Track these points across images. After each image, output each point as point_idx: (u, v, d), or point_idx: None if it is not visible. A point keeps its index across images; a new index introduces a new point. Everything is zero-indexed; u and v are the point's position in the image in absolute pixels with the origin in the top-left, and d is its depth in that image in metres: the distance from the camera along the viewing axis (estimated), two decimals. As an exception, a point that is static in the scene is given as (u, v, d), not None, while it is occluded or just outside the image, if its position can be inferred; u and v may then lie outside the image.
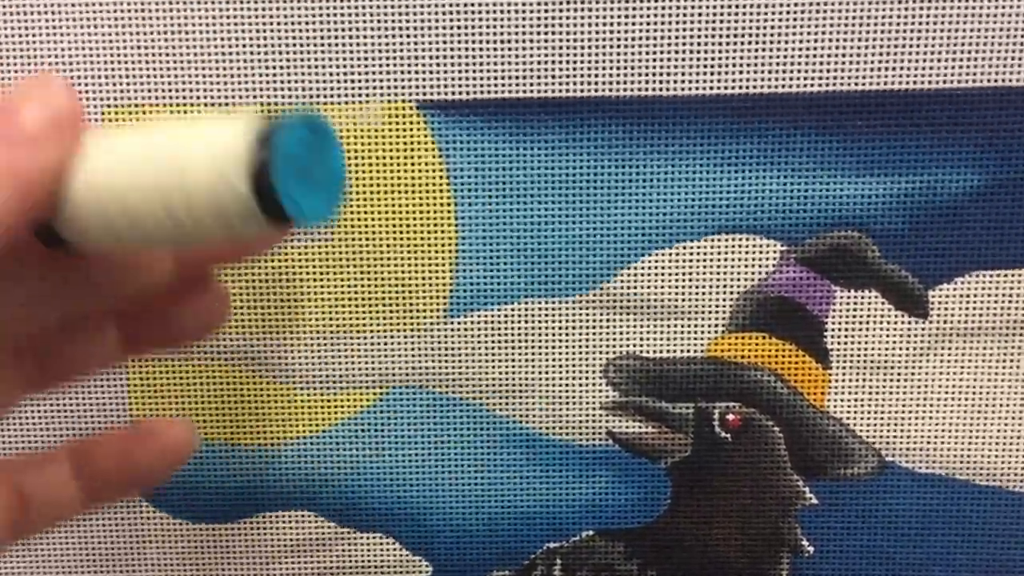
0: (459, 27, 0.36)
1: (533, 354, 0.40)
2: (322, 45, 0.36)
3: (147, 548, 0.42)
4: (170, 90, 0.37)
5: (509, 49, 0.36)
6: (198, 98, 0.37)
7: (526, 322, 0.39)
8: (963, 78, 0.36)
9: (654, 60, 0.36)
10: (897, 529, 0.41)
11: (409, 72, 0.37)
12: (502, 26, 0.36)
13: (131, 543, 0.42)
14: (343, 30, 0.36)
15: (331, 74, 0.37)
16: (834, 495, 0.41)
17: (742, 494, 0.41)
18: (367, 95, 0.37)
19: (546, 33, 0.36)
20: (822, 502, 0.41)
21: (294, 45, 0.36)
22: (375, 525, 0.41)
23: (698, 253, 0.38)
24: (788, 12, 0.36)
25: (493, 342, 0.39)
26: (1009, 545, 0.41)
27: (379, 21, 0.36)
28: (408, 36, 0.36)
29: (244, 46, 0.36)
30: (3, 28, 0.36)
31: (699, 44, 0.36)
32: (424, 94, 0.37)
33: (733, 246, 0.38)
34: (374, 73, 0.37)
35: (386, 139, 0.37)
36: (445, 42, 0.36)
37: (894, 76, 0.36)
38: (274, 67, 0.37)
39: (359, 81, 0.37)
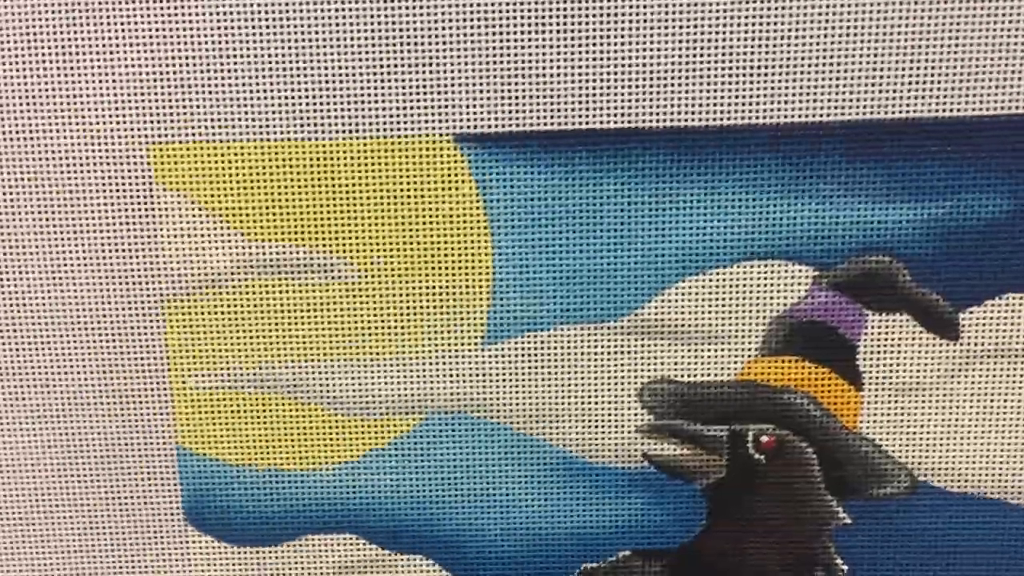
0: (494, 61, 0.37)
1: (569, 379, 0.40)
2: (362, 80, 0.37)
3: (191, 572, 0.43)
4: (213, 127, 0.38)
5: (544, 82, 0.37)
6: (241, 134, 0.38)
7: (562, 348, 0.40)
8: (992, 105, 0.37)
9: (686, 91, 0.37)
10: (930, 548, 0.41)
11: (447, 106, 0.38)
12: (536, 60, 0.37)
13: (175, 567, 0.43)
14: (382, 65, 0.37)
15: (370, 108, 0.38)
16: (868, 515, 0.41)
17: (776, 514, 0.41)
18: (405, 129, 0.38)
19: (580, 65, 0.37)
20: (856, 521, 0.41)
21: (334, 80, 0.37)
22: (416, 548, 0.42)
23: (731, 279, 0.39)
24: (818, 41, 0.37)
25: (529, 368, 0.40)
26: (1042, 563, 0.41)
27: (417, 56, 0.37)
28: (446, 70, 0.37)
29: (285, 82, 0.37)
30: (50, 67, 0.37)
31: (730, 74, 0.37)
32: (461, 127, 0.38)
33: (765, 272, 0.39)
34: (412, 107, 0.38)
35: (424, 171, 0.38)
36: (481, 76, 0.37)
37: (923, 104, 0.37)
38: (314, 102, 0.38)
39: (397, 115, 0.38)
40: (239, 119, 0.38)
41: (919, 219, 0.38)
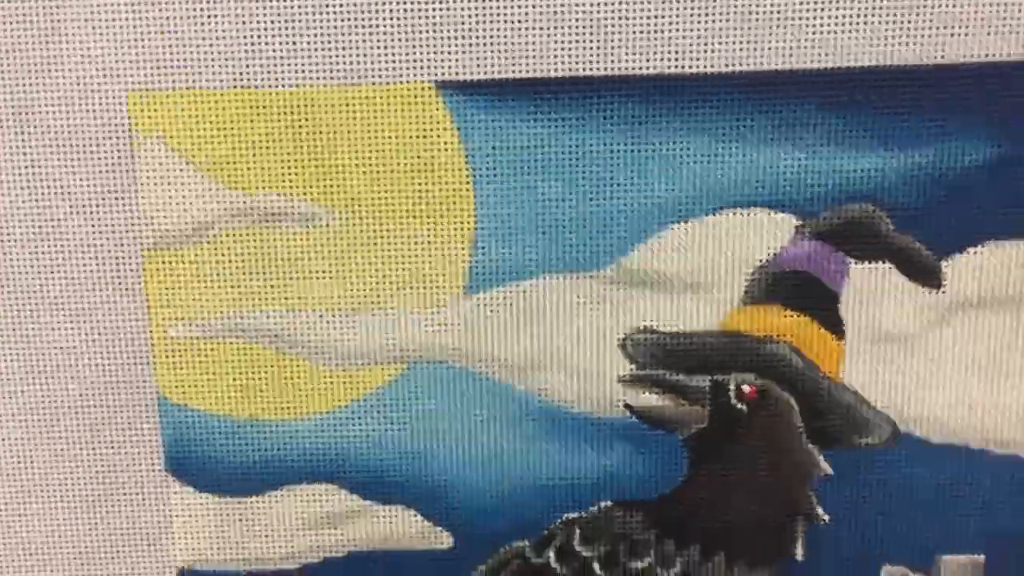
0: (477, 7, 0.37)
1: (551, 329, 0.40)
2: (343, 26, 0.37)
3: (172, 522, 0.43)
4: (192, 74, 0.38)
5: (526, 28, 0.37)
6: (220, 82, 0.38)
7: (544, 298, 0.40)
8: (973, 53, 0.37)
9: (669, 38, 0.37)
10: (912, 498, 0.41)
11: (428, 52, 0.37)
12: (519, 6, 0.37)
13: (156, 517, 0.43)
14: (363, 11, 0.37)
15: (352, 55, 0.37)
16: (849, 465, 0.41)
17: (758, 464, 0.41)
18: (386, 76, 0.37)
19: (562, 13, 0.37)
20: (838, 472, 0.41)
21: (314, 26, 0.37)
22: (397, 498, 0.42)
23: (713, 228, 0.39)
24: (801, -13, 0.36)
25: (511, 318, 0.40)
26: (1022, 511, 0.41)
27: (398, 2, 0.37)
28: (427, 16, 0.37)
29: (266, 29, 0.37)
30: (24, 16, 0.37)
31: (713, 22, 0.37)
32: (443, 74, 0.37)
33: (747, 221, 0.39)
34: (394, 53, 0.37)
35: (405, 119, 0.38)
36: (463, 22, 0.37)
37: (905, 51, 0.37)
38: (294, 49, 0.37)
39: (378, 61, 0.37)
40: (218, 67, 0.38)
41: (902, 167, 0.38)
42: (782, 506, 0.42)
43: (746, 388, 0.41)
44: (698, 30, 0.37)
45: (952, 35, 0.37)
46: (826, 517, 0.42)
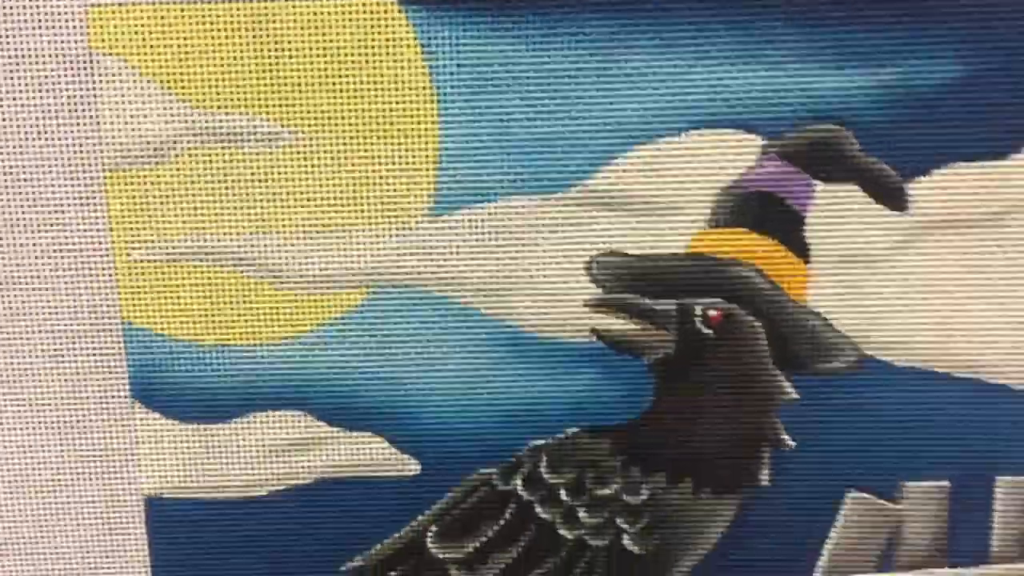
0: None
1: (516, 252, 0.40)
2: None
3: (139, 448, 0.43)
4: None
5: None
6: (180, -4, 0.37)
7: (509, 220, 0.40)
8: (942, -33, 0.37)
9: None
10: (877, 423, 0.42)
11: (390, -33, 0.37)
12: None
13: (123, 444, 0.43)
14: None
15: (312, -32, 0.37)
16: (814, 390, 0.41)
17: (724, 390, 0.42)
18: (348, -9, 0.37)
19: (525, -74, 0.36)
20: (803, 397, 0.41)
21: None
22: (364, 424, 0.42)
23: (679, 148, 0.39)
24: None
25: (477, 240, 0.40)
26: (987, 436, 0.42)
27: (359, -85, 0.36)
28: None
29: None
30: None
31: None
32: (405, -10, 0.37)
33: (713, 141, 0.39)
34: (354, -32, 0.37)
35: (368, 35, 0.38)
36: (425, -64, 0.37)
37: (873, -33, 0.37)
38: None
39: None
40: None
41: (868, 86, 0.38)
42: (748, 432, 0.42)
43: (712, 313, 0.41)
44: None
45: (919, -49, 0.36)
46: (792, 443, 0.42)
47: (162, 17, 0.38)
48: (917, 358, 0.41)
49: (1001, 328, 0.40)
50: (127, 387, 0.42)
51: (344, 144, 0.39)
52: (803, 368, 0.41)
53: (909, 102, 0.38)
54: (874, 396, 0.41)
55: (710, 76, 0.38)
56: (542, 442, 0.43)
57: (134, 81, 0.38)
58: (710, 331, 0.41)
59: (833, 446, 0.42)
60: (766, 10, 0.37)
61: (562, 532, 0.43)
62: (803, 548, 0.43)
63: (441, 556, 0.44)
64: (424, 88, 0.38)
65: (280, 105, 0.38)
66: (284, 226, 0.40)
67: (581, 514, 0.43)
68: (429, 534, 0.43)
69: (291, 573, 0.44)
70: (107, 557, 0.44)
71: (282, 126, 0.39)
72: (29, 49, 0.38)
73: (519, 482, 0.43)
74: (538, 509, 0.43)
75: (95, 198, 0.40)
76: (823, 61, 0.38)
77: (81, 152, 0.39)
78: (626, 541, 0.43)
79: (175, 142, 0.39)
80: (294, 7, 0.37)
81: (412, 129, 0.39)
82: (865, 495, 0.43)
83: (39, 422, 0.43)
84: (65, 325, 0.41)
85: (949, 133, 0.38)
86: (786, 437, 0.42)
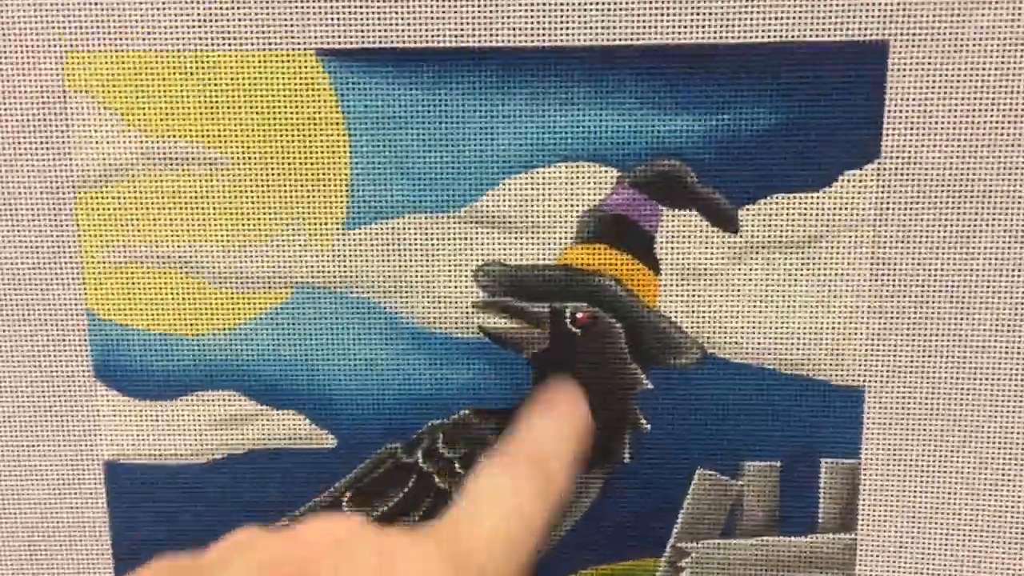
0: (348, -12, 0.44)
1: (416, 261, 0.48)
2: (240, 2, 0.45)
3: (99, 421, 0.50)
4: (117, 37, 0.45)
5: (396, 4, 0.45)
6: (142, 44, 0.45)
7: (410, 234, 0.48)
8: (759, 34, 0.44)
9: (510, 15, 0.45)
10: (719, 410, 0.49)
11: (311, 23, 0.45)
12: (383, -13, 0.44)
13: (86, 416, 0.50)
14: (254, -10, 0.44)
15: (246, 23, 0.45)
16: (666, 381, 0.49)
17: (591, 380, 0.49)
18: (275, 44, 0.45)
19: (419, -7, 0.44)
20: (657, 387, 0.49)
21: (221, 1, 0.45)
22: (288, 404, 0.50)
23: (549, 177, 0.47)
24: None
25: (383, 251, 0.48)
26: (812, 424, 0.49)
27: (283, -17, 0.44)
28: (307, -5, 0.44)
29: (175, 2, 0.45)
30: (-21, -14, 0.45)
31: (546, 4, 0.44)
32: (322, 42, 0.45)
33: (577, 171, 0.46)
34: (279, 23, 0.45)
35: (291, 80, 0.46)
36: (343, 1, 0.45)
37: (705, 31, 0.44)
38: (202, 17, 0.45)
39: (268, 30, 0.45)
40: (141, 31, 0.45)
41: (703, 129, 0.46)
42: (611, 416, 0.49)
43: (580, 315, 0.48)
44: (539, 8, 0.44)
45: (742, 19, 0.44)
46: (648, 426, 0.50)
47: (124, 62, 0.46)
48: (751, 356, 0.48)
49: (819, 332, 0.48)
50: (90, 368, 0.50)
51: (272, 169, 0.47)
52: (656, 362, 0.49)
53: (737, 142, 0.46)
54: (716, 388, 0.49)
55: (574, 118, 0.46)
56: (439, 422, 0.50)
57: (100, 114, 0.46)
58: (578, 330, 0.48)
59: (683, 430, 0.49)
60: (620, 65, 0.45)
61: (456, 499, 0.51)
62: (660, 517, 0.50)
63: (355, 518, 0.51)
64: (337, 124, 0.46)
65: (219, 136, 0.46)
66: (222, 235, 0.48)
67: (472, 484, 0.50)
68: (344, 499, 0.51)
69: (224, 529, 0.51)
70: (71, 512, 0.52)
71: (221, 153, 0.47)
72: (11, 87, 0.46)
73: (420, 456, 0.50)
74: (436, 479, 0.50)
75: (67, 211, 0.48)
76: (667, 108, 0.45)
77: (56, 173, 0.47)
78: (510, 508, 0.50)
79: (133, 165, 0.47)
80: (232, 56, 0.45)
81: (328, 157, 0.47)
82: (710, 472, 0.50)
83: (13, 397, 0.51)
84: (38, 315, 0.49)
85: (770, 169, 0.46)
86: (643, 421, 0.49)
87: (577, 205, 0.47)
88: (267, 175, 0.47)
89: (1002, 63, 0.44)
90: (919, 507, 0.49)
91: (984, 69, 0.44)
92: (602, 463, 0.50)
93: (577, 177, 0.47)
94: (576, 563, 0.51)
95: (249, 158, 0.47)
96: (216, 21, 0.45)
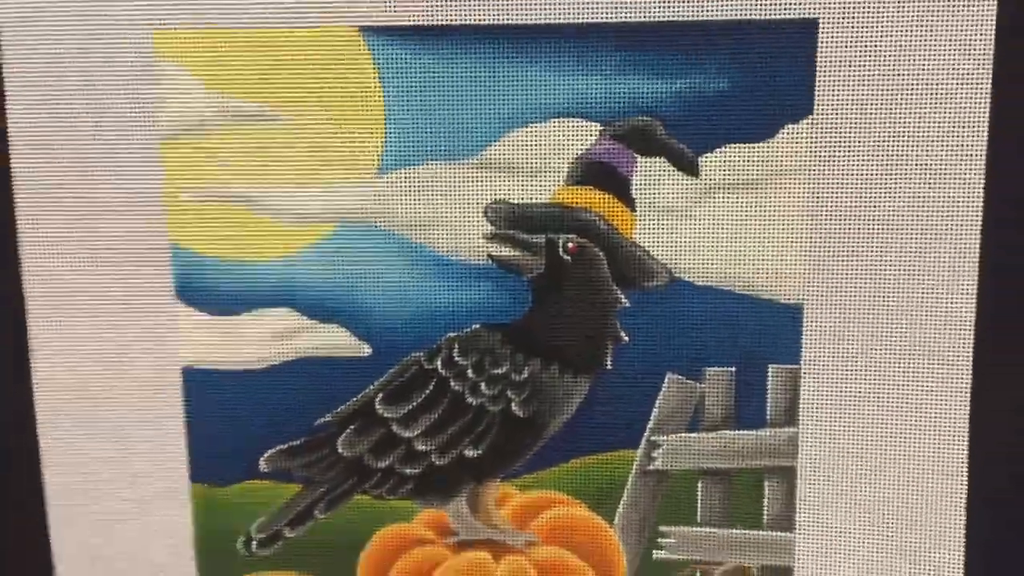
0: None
1: (439, 199, 0.58)
2: (294, -12, 0.55)
3: (179, 333, 0.61)
4: (198, 15, 0.56)
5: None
6: (221, 22, 0.56)
7: (432, 177, 0.58)
8: (717, 12, 0.54)
9: None
10: (684, 325, 0.59)
11: (354, 4, 0.56)
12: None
13: (169, 329, 0.61)
14: (308, -21, 0.55)
15: (296, 3, 0.56)
16: (641, 300, 0.59)
17: (580, 299, 0.59)
18: (321, 21, 0.56)
19: (440, -19, 0.55)
20: (634, 305, 0.59)
21: (276, -12, 0.56)
22: (332, 319, 0.60)
23: (544, 131, 0.57)
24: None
25: (413, 191, 0.58)
26: (762, 336, 0.58)
27: (331, -27, 0.55)
28: (350, -17, 0.55)
29: (244, -11, 0.56)
30: (90, -24, 0.56)
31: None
32: (364, 20, 0.56)
33: (568, 126, 0.57)
34: (328, 4, 0.56)
35: (335, 53, 0.56)
36: (374, -13, 0.55)
37: (676, 9, 0.55)
38: (268, 2, 0.56)
39: (315, 10, 0.56)
40: (212, 11, 0.56)
41: (670, 91, 0.56)
42: (596, 329, 0.59)
43: (570, 245, 0.58)
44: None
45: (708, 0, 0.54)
46: (626, 337, 0.59)
47: (203, 38, 0.57)
48: (711, 279, 0.58)
49: (767, 259, 0.58)
50: (172, 289, 0.61)
51: (319, 124, 0.57)
52: (633, 285, 0.58)
53: (698, 101, 0.56)
54: (682, 306, 0.58)
55: (565, 83, 0.56)
56: (455, 334, 0.60)
57: (183, 78, 0.57)
58: (569, 258, 0.59)
59: (655, 341, 0.59)
60: (603, 39, 0.55)
61: (468, 400, 0.59)
62: (636, 415, 0.58)
63: (385, 416, 0.59)
64: (374, 87, 0.57)
65: (279, 97, 0.57)
66: (279, 179, 0.59)
67: (482, 387, 0.58)
68: (377, 399, 0.60)
69: (280, 422, 0.62)
70: (155, 409, 0.62)
71: (280, 112, 0.58)
72: (108, 58, 0.57)
73: (439, 363, 0.59)
74: (452, 383, 0.59)
75: (154, 159, 0.59)
76: (640, 73, 0.56)
77: (145, 127, 0.58)
78: (514, 408, 0.58)
79: (208, 121, 0.58)
80: (288, 32, 0.56)
81: (366, 115, 0.57)
82: (678, 376, 0.58)
83: (110, 314, 0.61)
84: (130, 245, 0.60)
85: (725, 123, 0.56)
86: (623, 333, 0.59)
87: (567, 154, 0.57)
88: (316, 129, 0.58)
89: (912, 33, 0.54)
90: (852, 404, 0.59)
91: (897, 39, 0.54)
92: (589, 369, 0.60)
93: (567, 131, 0.57)
94: (567, 454, 0.61)
95: (302, 116, 0.57)
96: (279, 3, 0.56)
